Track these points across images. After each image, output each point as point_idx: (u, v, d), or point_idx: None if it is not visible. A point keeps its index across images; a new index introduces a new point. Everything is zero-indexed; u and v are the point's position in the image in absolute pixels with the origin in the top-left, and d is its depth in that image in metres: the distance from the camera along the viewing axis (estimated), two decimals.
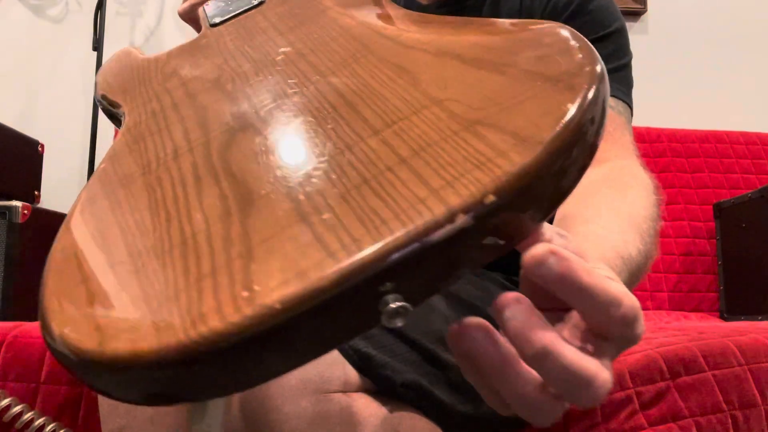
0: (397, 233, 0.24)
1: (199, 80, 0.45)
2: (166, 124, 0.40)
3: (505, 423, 0.60)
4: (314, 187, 0.28)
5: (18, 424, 0.67)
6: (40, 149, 1.67)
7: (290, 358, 0.24)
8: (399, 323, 0.23)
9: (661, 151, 1.67)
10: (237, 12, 0.57)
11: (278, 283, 0.23)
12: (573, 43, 0.31)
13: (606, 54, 0.72)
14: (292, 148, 0.33)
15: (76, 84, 1.87)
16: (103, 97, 0.51)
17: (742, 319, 1.43)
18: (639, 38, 1.98)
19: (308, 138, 0.33)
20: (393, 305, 0.23)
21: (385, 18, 0.45)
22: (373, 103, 0.33)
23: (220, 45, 0.51)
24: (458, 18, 0.41)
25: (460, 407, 0.55)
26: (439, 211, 0.24)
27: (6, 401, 0.67)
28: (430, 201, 0.25)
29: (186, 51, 0.53)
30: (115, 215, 0.32)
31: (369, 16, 0.46)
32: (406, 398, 0.53)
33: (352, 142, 0.31)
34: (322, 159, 0.30)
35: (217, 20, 0.57)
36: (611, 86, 0.72)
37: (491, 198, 0.24)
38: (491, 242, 0.25)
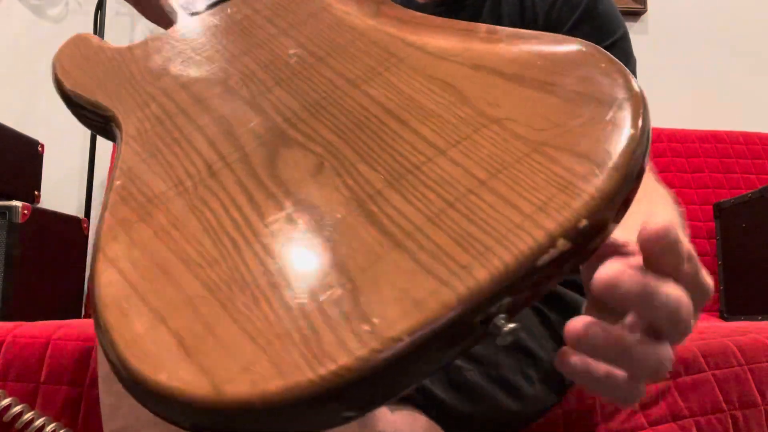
0: (506, 260, 0.25)
1: (203, 83, 0.43)
2: (182, 134, 0.38)
3: (503, 423, 0.60)
4: (395, 209, 0.29)
5: (18, 424, 0.67)
6: (40, 149, 1.66)
7: (409, 383, 0.25)
8: (510, 341, 0.25)
9: (661, 151, 1.67)
10: (213, 2, 0.53)
11: (398, 314, 0.24)
12: (610, 64, 0.33)
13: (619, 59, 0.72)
14: (353, 166, 0.32)
15: None
16: (77, 95, 0.47)
17: (742, 319, 1.43)
18: (639, 38, 1.98)
19: (367, 155, 0.32)
20: (508, 327, 0.25)
21: (396, 20, 0.44)
22: (427, 120, 0.33)
23: (212, 41, 0.47)
24: (470, 24, 0.40)
25: (460, 406, 0.55)
26: (539, 236, 0.26)
27: (6, 401, 0.67)
28: (528, 226, 0.26)
29: (166, 44, 0.49)
30: (166, 244, 0.30)
31: (377, 17, 0.45)
32: (405, 396, 0.53)
33: (419, 161, 0.31)
34: (392, 179, 0.30)
35: (196, 8, 0.53)
36: None
37: (584, 222, 0.26)
38: (581, 259, 0.28)
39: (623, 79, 0.32)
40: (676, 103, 1.93)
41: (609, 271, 0.27)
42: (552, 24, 0.73)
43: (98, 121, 0.45)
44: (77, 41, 0.52)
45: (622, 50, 0.73)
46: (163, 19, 0.63)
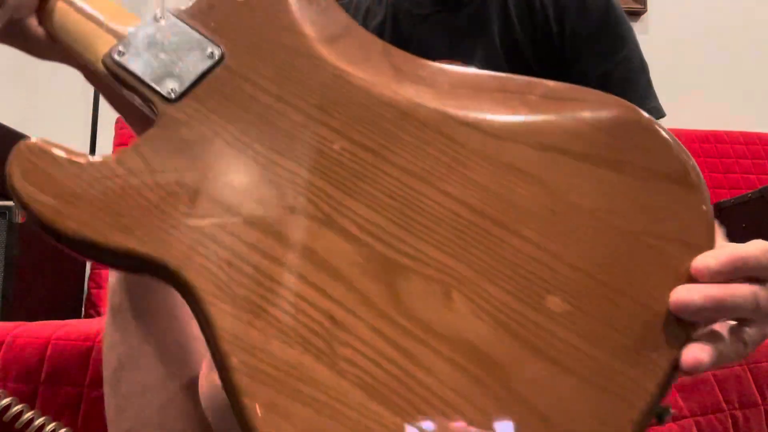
0: (664, 365, 0.29)
1: (256, 205, 0.35)
2: (273, 280, 0.33)
3: None
4: (546, 330, 0.30)
5: (18, 424, 0.67)
6: None
7: None
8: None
9: None
10: (197, 77, 0.40)
11: None
12: (666, 136, 0.35)
13: (636, 68, 0.74)
14: (480, 288, 0.31)
15: (76, 84, 1.87)
16: (87, 240, 0.35)
17: None
18: (639, 38, 1.97)
19: (488, 273, 0.32)
20: (667, 417, 0.32)
21: (427, 86, 0.40)
22: (525, 220, 0.33)
23: (228, 138, 0.38)
24: (501, 81, 0.39)
25: None
26: (683, 329, 0.31)
27: (6, 401, 0.67)
28: (670, 325, 0.31)
29: (167, 152, 0.38)
30: (338, 421, 0.29)
31: (402, 82, 0.40)
32: None
33: (541, 272, 0.32)
34: (524, 296, 0.31)
35: (174, 91, 0.40)
36: (655, 107, 0.75)
37: None
38: None
39: (682, 153, 0.34)
40: (676, 103, 1.93)
41: (679, 295, 0.31)
42: (567, 32, 0.73)
43: (129, 264, 0.36)
44: (32, 159, 0.38)
45: (637, 57, 0.75)
46: (133, 113, 0.55)
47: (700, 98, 1.96)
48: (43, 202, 0.35)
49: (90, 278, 1.50)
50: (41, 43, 0.53)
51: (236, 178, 0.36)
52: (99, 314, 1.43)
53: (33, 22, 0.51)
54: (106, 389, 0.57)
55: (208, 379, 0.47)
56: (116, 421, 0.56)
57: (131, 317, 0.55)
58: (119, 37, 0.43)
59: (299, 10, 0.43)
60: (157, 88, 0.40)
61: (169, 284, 0.34)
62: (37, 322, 0.87)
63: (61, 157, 0.38)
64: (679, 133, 1.71)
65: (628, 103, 0.36)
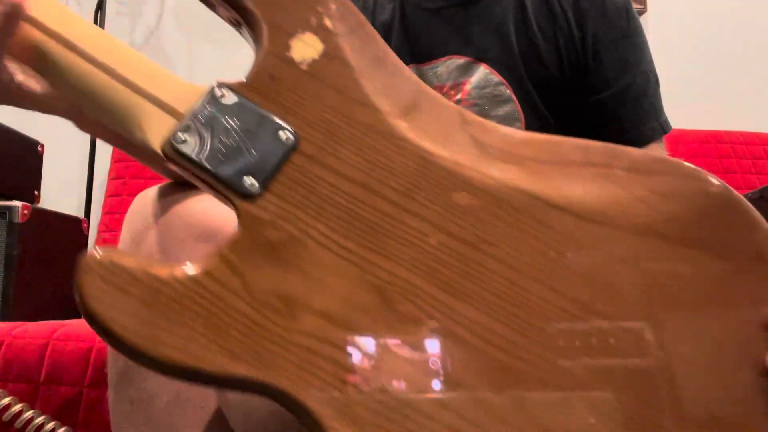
0: None
1: (349, 305, 0.33)
2: (416, 422, 0.31)
3: None
4: None
5: (18, 424, 0.67)
6: (40, 149, 1.66)
7: None
8: None
9: None
10: (274, 168, 0.36)
11: None
12: (755, 215, 0.36)
13: (653, 82, 0.75)
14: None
15: None
16: (193, 368, 0.32)
17: None
18: None
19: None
20: None
21: (515, 164, 0.38)
22: (652, 322, 0.33)
23: (314, 235, 0.35)
24: (580, 153, 0.38)
25: None
26: None
27: (6, 400, 0.67)
28: None
29: (253, 256, 0.34)
30: None
31: (484, 159, 0.38)
32: None
33: (681, 387, 0.31)
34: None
35: (253, 187, 0.36)
36: (666, 120, 0.76)
37: None
38: None
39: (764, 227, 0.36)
40: (676, 103, 1.93)
41: None
42: (589, 38, 0.72)
43: (238, 387, 0.34)
44: (106, 277, 0.33)
45: (653, 70, 0.75)
46: (139, 153, 0.52)
47: (700, 98, 1.96)
48: (131, 329, 0.32)
49: None
50: (20, 91, 0.45)
51: (334, 283, 0.34)
52: None
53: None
54: (111, 394, 0.56)
55: None
56: (123, 426, 0.55)
57: None
58: (168, 111, 0.38)
59: (369, 80, 0.39)
60: (235, 186, 0.36)
61: (282, 406, 0.32)
62: (37, 322, 0.87)
63: (139, 272, 0.33)
64: (680, 134, 1.71)
65: (715, 179, 0.37)
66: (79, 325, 0.85)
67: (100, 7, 1.78)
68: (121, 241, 0.56)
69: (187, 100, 0.38)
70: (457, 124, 0.39)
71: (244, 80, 0.38)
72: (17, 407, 0.67)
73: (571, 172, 0.37)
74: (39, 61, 0.41)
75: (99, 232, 1.54)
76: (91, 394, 0.77)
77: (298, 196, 0.35)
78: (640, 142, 0.73)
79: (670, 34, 2.01)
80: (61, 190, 1.77)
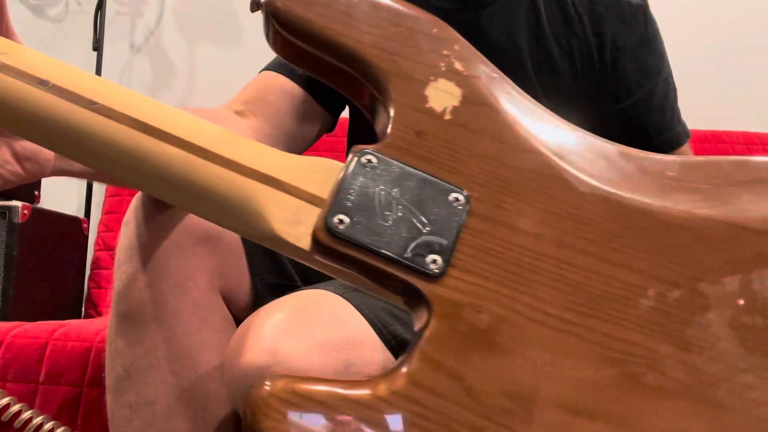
0: None
1: (585, 387, 0.28)
2: None
3: None
4: None
5: (17, 423, 0.67)
6: None
7: None
8: None
9: None
10: (454, 238, 0.30)
11: None
12: None
13: (672, 88, 0.76)
14: None
15: None
16: None
17: None
18: None
19: None
20: None
21: (701, 197, 0.34)
22: None
23: (520, 310, 0.30)
24: (751, 171, 0.36)
25: None
26: None
27: (5, 400, 0.67)
28: None
29: (460, 349, 0.28)
30: None
31: (674, 196, 0.34)
32: None
33: None
34: None
35: (437, 263, 0.30)
36: (685, 125, 0.74)
37: None
38: None
39: None
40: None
41: None
42: (607, 45, 0.70)
43: None
44: (290, 411, 0.26)
45: (671, 76, 0.76)
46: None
47: (700, 98, 1.96)
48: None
49: (90, 278, 1.50)
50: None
51: (564, 365, 0.28)
52: (99, 314, 1.43)
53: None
54: (110, 397, 0.55)
55: (233, 364, 0.46)
56: (122, 430, 0.55)
57: (138, 325, 0.53)
58: (300, 195, 0.31)
59: (516, 121, 0.35)
60: (417, 267, 0.30)
61: None
62: (37, 322, 0.87)
63: (328, 397, 0.27)
64: None
65: None
66: (79, 325, 0.85)
67: (100, 7, 1.78)
68: (119, 246, 0.56)
69: (315, 178, 0.32)
70: (616, 156, 0.35)
71: (387, 141, 0.32)
72: (16, 407, 0.67)
73: (746, 191, 0.34)
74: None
75: (99, 232, 1.54)
76: (90, 394, 0.77)
77: (487, 266, 0.30)
78: (668, 148, 0.72)
79: (670, 34, 2.00)
80: (61, 190, 1.77)
